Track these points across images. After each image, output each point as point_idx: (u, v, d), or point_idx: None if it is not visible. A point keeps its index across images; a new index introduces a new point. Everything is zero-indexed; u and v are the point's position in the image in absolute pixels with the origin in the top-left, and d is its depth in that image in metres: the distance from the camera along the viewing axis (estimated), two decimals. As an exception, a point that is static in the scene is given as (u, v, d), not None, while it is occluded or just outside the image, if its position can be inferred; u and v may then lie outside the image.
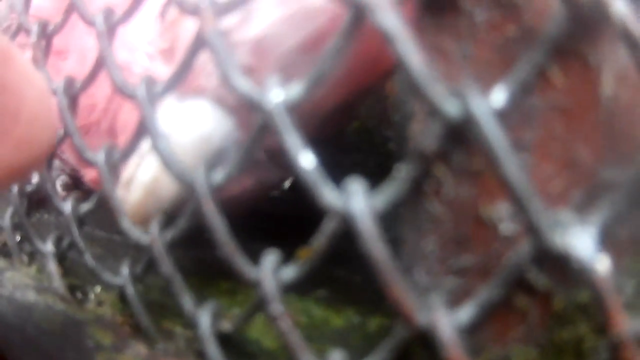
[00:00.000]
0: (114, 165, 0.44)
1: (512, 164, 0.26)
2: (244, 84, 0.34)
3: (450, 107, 0.27)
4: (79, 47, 0.54)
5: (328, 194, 0.31)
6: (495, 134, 0.26)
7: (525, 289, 0.30)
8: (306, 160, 0.32)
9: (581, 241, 0.25)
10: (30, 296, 0.46)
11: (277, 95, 0.33)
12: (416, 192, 0.33)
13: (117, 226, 0.45)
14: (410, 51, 0.28)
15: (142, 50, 0.48)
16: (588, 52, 0.29)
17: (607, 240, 0.28)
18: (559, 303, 0.33)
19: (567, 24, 0.25)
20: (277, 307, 0.34)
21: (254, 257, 0.36)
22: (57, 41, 0.51)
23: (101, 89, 0.50)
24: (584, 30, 0.26)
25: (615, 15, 0.23)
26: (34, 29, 0.50)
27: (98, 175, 0.45)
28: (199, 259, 0.51)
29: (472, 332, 0.31)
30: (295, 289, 0.48)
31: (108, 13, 0.43)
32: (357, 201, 0.30)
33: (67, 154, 0.57)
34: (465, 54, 0.31)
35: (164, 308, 0.47)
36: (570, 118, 0.31)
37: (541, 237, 0.26)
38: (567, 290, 0.32)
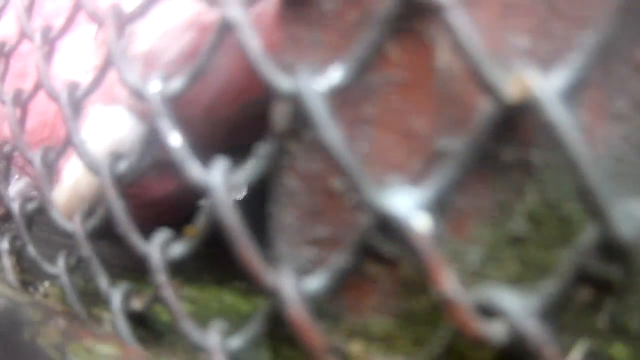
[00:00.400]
0: (49, 164, 0.49)
1: (339, 141, 0.30)
2: (132, 79, 0.39)
3: (285, 86, 0.32)
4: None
5: (194, 170, 0.36)
6: (319, 111, 0.30)
7: (374, 257, 0.32)
8: (174, 140, 0.37)
9: (401, 203, 0.28)
10: (-18, 286, 0.51)
11: (155, 86, 0.38)
12: (275, 168, 0.37)
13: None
14: (249, 38, 0.33)
15: (80, 66, 0.54)
16: (422, 29, 0.32)
17: (444, 207, 0.32)
18: (405, 270, 0.34)
19: (400, 5, 0.29)
20: (161, 277, 0.39)
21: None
22: (17, 64, 0.57)
23: (50, 107, 0.55)
24: (416, 10, 0.29)
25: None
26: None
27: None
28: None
29: (327, 299, 0.35)
30: (215, 281, 0.53)
31: (45, 30, 0.49)
32: (216, 175, 0.35)
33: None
34: (315, 40, 0.35)
35: (97, 297, 0.51)
36: (407, 91, 0.33)
37: (371, 203, 0.29)
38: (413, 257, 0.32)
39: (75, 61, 0.55)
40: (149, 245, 0.40)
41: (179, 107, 0.43)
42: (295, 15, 0.36)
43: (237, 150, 0.40)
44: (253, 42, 0.33)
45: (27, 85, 0.60)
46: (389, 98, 0.33)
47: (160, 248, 0.39)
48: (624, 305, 0.31)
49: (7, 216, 0.63)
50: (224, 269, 0.40)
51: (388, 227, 0.28)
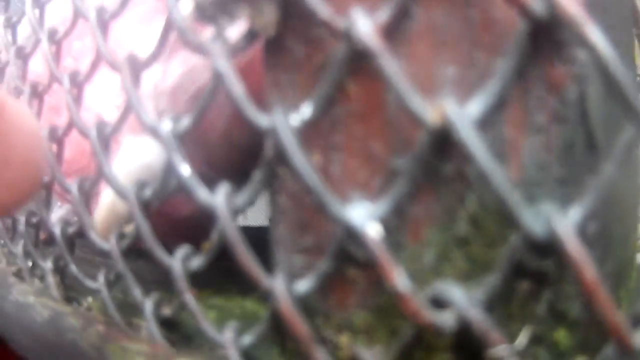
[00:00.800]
0: (85, 192, 0.56)
1: (303, 164, 0.36)
2: (147, 120, 0.45)
3: (262, 122, 0.38)
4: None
5: (202, 194, 0.42)
6: (290, 143, 0.36)
7: (352, 262, 0.36)
8: (184, 170, 0.43)
9: (356, 214, 0.34)
10: (30, 299, 0.58)
11: (167, 125, 0.44)
12: (270, 190, 0.43)
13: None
14: (234, 84, 0.39)
15: (109, 103, 0.60)
16: (371, 68, 0.35)
17: (402, 217, 0.37)
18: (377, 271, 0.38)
19: (348, 51, 0.34)
20: (182, 284, 0.45)
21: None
22: (50, 99, 0.64)
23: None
24: (358, 55, 0.34)
25: (359, 36, 0.33)
26: (26, 90, 0.62)
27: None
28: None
29: (318, 299, 0.40)
30: (239, 291, 0.59)
31: (74, 75, 0.56)
32: (219, 199, 0.41)
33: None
34: (291, 82, 0.40)
35: (134, 308, 0.58)
36: (365, 121, 0.38)
37: (336, 217, 0.34)
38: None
39: (106, 95, 0.61)
40: (172, 259, 0.46)
41: (200, 134, 0.50)
42: (275, 61, 0.42)
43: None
44: (237, 88, 0.39)
45: (61, 119, 0.67)
46: (352, 127, 0.38)
47: (181, 261, 0.45)
48: (561, 294, 0.36)
49: (50, 240, 0.69)
50: (248, 280, 0.46)
51: (353, 236, 0.34)
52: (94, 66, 0.55)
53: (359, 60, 0.34)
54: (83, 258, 0.73)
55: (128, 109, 0.50)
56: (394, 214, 0.34)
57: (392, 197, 0.34)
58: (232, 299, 0.59)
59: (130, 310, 0.57)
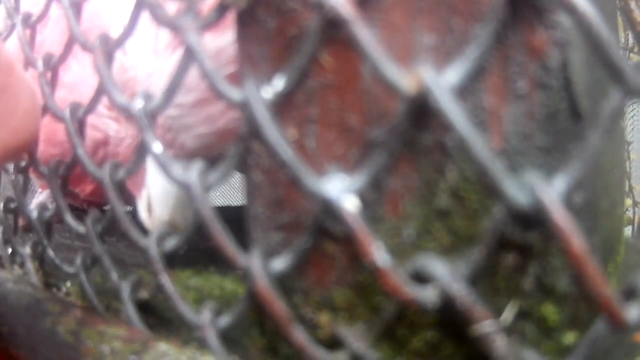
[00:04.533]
0: (61, 175, 0.54)
1: (276, 138, 0.34)
2: (119, 100, 0.44)
3: (235, 96, 0.36)
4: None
5: (175, 171, 0.41)
6: (263, 116, 0.35)
7: (331, 237, 0.36)
8: (156, 148, 0.41)
9: (332, 188, 0.32)
10: (9, 286, 0.57)
11: (139, 103, 0.43)
12: (244, 166, 0.42)
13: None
14: (205, 60, 0.37)
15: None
16: (346, 38, 0.34)
17: (381, 190, 0.36)
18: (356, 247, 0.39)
19: (322, 21, 0.32)
20: (158, 265, 0.44)
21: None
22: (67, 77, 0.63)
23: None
24: (332, 25, 0.32)
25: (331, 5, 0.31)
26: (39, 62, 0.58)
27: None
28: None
29: (295, 276, 0.39)
30: (218, 270, 0.58)
31: (47, 58, 0.55)
32: (192, 175, 0.40)
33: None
34: (264, 55, 0.39)
35: (115, 292, 0.57)
36: (340, 92, 0.37)
37: (315, 192, 0.33)
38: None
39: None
40: (147, 240, 0.44)
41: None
42: (247, 34, 0.40)
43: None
44: (207, 63, 0.37)
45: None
46: (327, 99, 0.37)
47: (156, 242, 0.44)
48: (548, 267, 0.35)
49: (29, 227, 0.68)
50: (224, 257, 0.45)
51: (330, 210, 0.32)
52: (68, 48, 0.53)
53: (333, 31, 0.32)
54: (63, 244, 0.71)
55: (100, 89, 0.48)
56: (371, 186, 0.32)
57: (370, 170, 0.32)
58: (211, 279, 0.58)
59: (109, 294, 0.56)
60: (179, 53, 0.56)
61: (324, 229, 0.35)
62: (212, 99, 0.55)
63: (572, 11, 0.26)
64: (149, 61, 0.57)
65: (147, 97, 0.43)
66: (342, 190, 0.32)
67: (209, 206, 0.39)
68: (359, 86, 0.37)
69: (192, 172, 0.40)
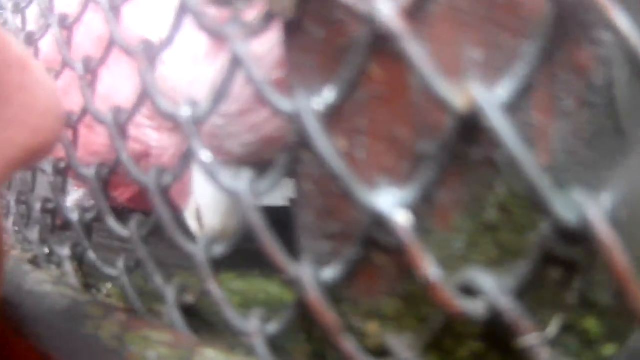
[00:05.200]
0: (103, 178, 0.55)
1: (327, 149, 0.35)
2: (164, 106, 0.45)
3: (286, 106, 0.37)
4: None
5: (225, 180, 0.41)
6: (314, 128, 0.35)
7: (381, 248, 0.35)
8: (205, 156, 0.42)
9: (385, 201, 0.33)
10: (47, 288, 0.58)
11: (186, 111, 0.44)
12: (294, 175, 0.43)
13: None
14: (253, 70, 0.38)
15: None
16: (395, 51, 0.34)
17: (430, 203, 0.37)
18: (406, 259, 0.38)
19: (370, 34, 0.33)
20: (206, 272, 0.45)
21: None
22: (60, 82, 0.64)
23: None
24: (381, 38, 0.33)
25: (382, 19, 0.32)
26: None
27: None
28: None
29: (345, 286, 0.40)
30: (262, 273, 0.58)
31: (87, 60, 0.56)
32: (242, 184, 0.40)
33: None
34: (311, 65, 0.40)
35: (157, 296, 0.57)
36: (389, 104, 0.38)
37: (367, 205, 0.33)
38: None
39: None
40: (195, 246, 0.45)
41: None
42: (294, 43, 0.41)
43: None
44: (256, 73, 0.38)
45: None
46: (376, 111, 0.38)
47: (204, 248, 0.45)
48: (592, 282, 0.36)
49: (66, 225, 0.68)
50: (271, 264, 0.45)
51: (381, 223, 0.33)
52: (107, 52, 0.54)
53: (382, 44, 0.33)
54: (102, 244, 0.72)
55: (142, 97, 0.49)
56: (422, 199, 0.33)
57: (420, 183, 0.33)
58: (255, 283, 0.59)
59: (150, 296, 0.57)
60: (221, 61, 0.56)
61: (374, 240, 0.35)
62: (257, 107, 0.56)
63: (616, 31, 0.26)
64: (189, 69, 0.57)
65: (194, 104, 0.44)
66: (394, 204, 0.32)
67: (259, 215, 0.40)
68: (408, 99, 0.37)
69: (242, 181, 0.40)
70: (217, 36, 0.40)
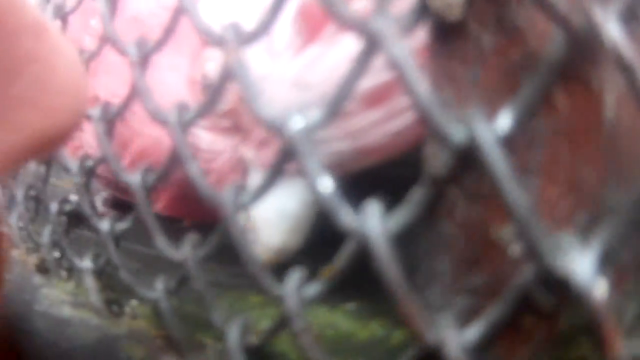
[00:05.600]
0: (149, 187, 0.46)
1: (513, 189, 0.27)
2: (268, 113, 0.36)
3: (457, 133, 0.29)
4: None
5: (345, 216, 0.33)
6: (498, 160, 0.28)
7: (531, 309, 0.30)
8: (324, 184, 0.34)
9: (581, 266, 0.26)
10: (66, 311, 0.49)
11: (297, 122, 0.35)
12: (430, 213, 0.35)
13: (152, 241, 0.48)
14: (416, 80, 0.30)
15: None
16: (590, 75, 0.30)
17: (610, 263, 0.30)
18: (564, 323, 0.33)
19: (566, 47, 0.27)
20: (300, 322, 0.36)
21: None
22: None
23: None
24: (583, 53, 0.27)
25: (608, 39, 0.24)
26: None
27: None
28: (233, 274, 0.54)
29: (481, 350, 0.33)
30: (325, 302, 0.50)
31: (141, 42, 0.46)
32: (372, 223, 0.32)
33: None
34: (473, 79, 0.33)
35: (196, 321, 0.49)
36: (574, 141, 0.32)
37: (543, 260, 0.27)
38: (570, 310, 0.32)
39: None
40: (285, 288, 0.37)
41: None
42: (450, 51, 0.34)
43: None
44: (421, 85, 0.30)
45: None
46: (556, 148, 0.32)
47: (296, 290, 0.37)
48: None
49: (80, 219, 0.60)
50: (332, 291, 0.38)
51: (552, 282, 0.27)
52: (168, 33, 0.45)
53: (578, 62, 0.27)
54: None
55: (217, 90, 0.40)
56: (605, 261, 0.26)
57: (605, 239, 0.26)
58: (318, 313, 0.50)
59: (190, 321, 0.48)
60: (308, 55, 0.48)
61: (529, 300, 0.29)
62: (357, 111, 0.47)
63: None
64: (261, 63, 0.48)
65: (307, 114, 0.35)
66: (592, 271, 0.26)
67: (394, 262, 0.32)
68: (599, 137, 0.32)
69: (371, 218, 0.32)
70: (361, 32, 0.32)
